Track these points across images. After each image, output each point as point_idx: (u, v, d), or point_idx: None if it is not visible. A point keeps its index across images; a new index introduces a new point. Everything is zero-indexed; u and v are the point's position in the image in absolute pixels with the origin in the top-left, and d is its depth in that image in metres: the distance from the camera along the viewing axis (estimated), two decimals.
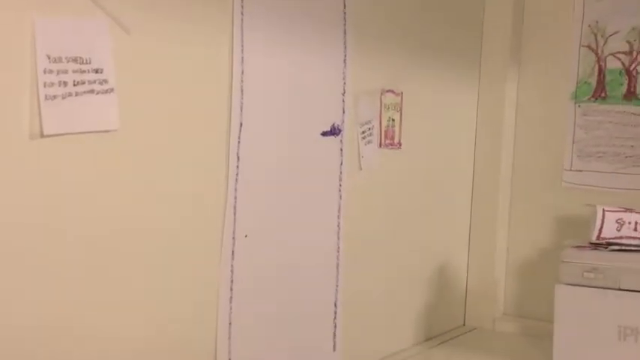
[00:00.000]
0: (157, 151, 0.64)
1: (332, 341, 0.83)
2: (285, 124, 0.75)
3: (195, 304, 0.68)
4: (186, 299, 0.67)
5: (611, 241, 0.90)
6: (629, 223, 0.89)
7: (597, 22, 1.06)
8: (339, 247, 0.82)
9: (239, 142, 0.70)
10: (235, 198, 0.70)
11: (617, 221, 0.89)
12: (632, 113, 1.04)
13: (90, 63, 0.57)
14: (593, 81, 1.07)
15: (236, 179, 0.70)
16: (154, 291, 0.64)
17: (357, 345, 0.88)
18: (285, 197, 0.76)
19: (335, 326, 0.83)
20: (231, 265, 0.70)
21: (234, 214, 0.70)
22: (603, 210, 0.89)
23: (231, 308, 0.70)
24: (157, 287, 0.65)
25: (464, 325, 1.13)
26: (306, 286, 0.79)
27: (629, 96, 1.04)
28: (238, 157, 0.70)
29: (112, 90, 0.58)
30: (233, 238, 0.70)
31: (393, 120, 0.91)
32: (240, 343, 0.72)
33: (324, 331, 0.82)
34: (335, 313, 0.82)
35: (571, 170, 1.08)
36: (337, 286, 0.82)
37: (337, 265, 0.82)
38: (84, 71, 0.57)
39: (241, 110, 0.70)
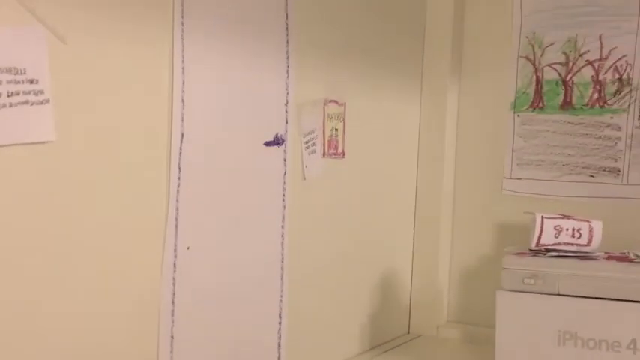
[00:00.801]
0: (95, 162, 0.62)
1: (277, 352, 0.82)
2: (227, 135, 0.75)
3: (136, 317, 0.67)
4: (126, 313, 0.66)
5: (549, 247, 0.91)
6: (567, 229, 0.91)
7: (534, 33, 1.09)
8: (283, 258, 0.82)
9: (180, 153, 0.69)
10: (177, 210, 0.69)
11: (555, 228, 0.91)
12: (569, 122, 1.06)
13: (25, 73, 0.56)
14: (531, 91, 1.09)
15: (177, 191, 0.69)
16: (92, 305, 0.63)
17: (302, 356, 0.88)
18: (229, 208, 0.75)
19: (279, 337, 0.82)
20: (173, 278, 0.69)
21: (176, 226, 0.69)
22: (542, 217, 0.91)
23: (173, 321, 0.69)
24: (95, 301, 0.63)
25: (408, 332, 1.13)
26: (250, 297, 0.78)
27: (566, 106, 1.07)
28: (179, 169, 0.69)
29: (47, 101, 0.57)
30: (175, 250, 0.69)
31: (337, 130, 0.91)
32: (182, 357, 0.70)
33: (269, 343, 0.81)
34: (279, 324, 0.82)
35: (511, 178, 1.10)
36: (282, 297, 0.82)
37: (281, 275, 0.82)
38: (18, 82, 0.55)
39: (182, 121, 0.69)
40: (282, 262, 0.82)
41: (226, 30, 0.74)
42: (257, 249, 0.79)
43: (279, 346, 0.82)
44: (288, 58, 0.81)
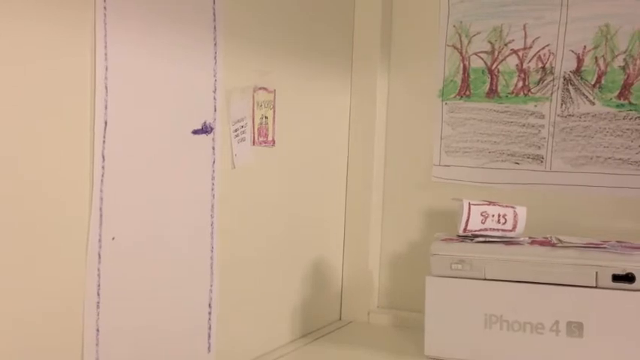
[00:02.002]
0: (15, 151, 0.60)
1: (207, 342, 0.81)
2: (153, 123, 0.73)
3: (60, 310, 0.65)
4: (49, 305, 0.64)
5: (476, 233, 0.93)
6: (493, 215, 0.93)
7: (461, 22, 1.10)
8: (212, 247, 0.81)
9: (104, 141, 0.67)
10: (101, 199, 0.67)
11: (481, 214, 0.93)
12: (495, 110, 1.09)
13: None
14: (459, 79, 1.11)
15: (101, 180, 0.67)
16: (13, 298, 0.61)
17: (233, 345, 0.87)
18: (156, 197, 0.74)
19: (209, 327, 0.81)
20: (98, 269, 0.68)
21: (101, 216, 0.67)
22: (469, 204, 0.93)
23: (98, 314, 0.68)
24: (17, 293, 0.61)
25: (340, 319, 1.14)
26: (178, 287, 0.77)
27: (492, 94, 1.09)
28: (104, 157, 0.67)
29: None
30: (99, 241, 0.68)
31: (266, 117, 0.91)
32: (108, 350, 0.69)
33: (199, 333, 0.80)
34: (209, 313, 0.81)
35: (439, 165, 1.12)
36: (211, 286, 0.81)
37: (211, 265, 0.81)
38: None
39: (106, 108, 0.67)
40: (212, 251, 0.81)
41: (151, 15, 0.72)
42: (185, 238, 0.78)
43: (209, 335, 0.81)
44: (215, 44, 0.80)
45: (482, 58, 1.09)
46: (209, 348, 0.82)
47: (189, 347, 0.79)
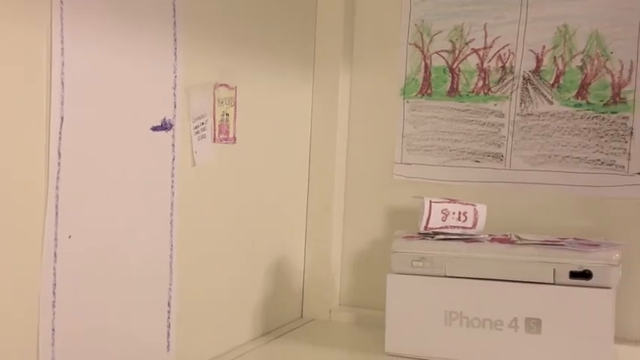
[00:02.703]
0: None
1: (166, 341, 0.80)
2: (111, 119, 0.72)
3: (15, 310, 0.64)
4: (4, 305, 0.62)
5: (437, 230, 0.94)
6: (454, 213, 0.94)
7: (423, 21, 1.11)
8: (172, 245, 0.80)
9: (60, 137, 0.66)
10: (57, 197, 0.66)
11: (442, 212, 0.94)
12: (456, 109, 1.09)
13: None
14: (420, 78, 1.11)
15: (57, 177, 0.66)
16: None
17: (193, 344, 0.86)
18: (113, 195, 0.73)
19: (169, 326, 0.81)
20: (54, 268, 0.66)
21: (56, 214, 0.66)
22: (430, 201, 0.93)
23: (54, 314, 0.67)
24: None
25: (301, 317, 1.14)
26: (136, 286, 0.76)
27: (453, 93, 1.10)
28: (59, 154, 0.66)
29: None
30: (55, 239, 0.66)
31: (227, 115, 0.90)
32: (65, 350, 0.68)
33: (158, 332, 0.79)
34: (168, 312, 0.80)
35: (401, 163, 1.13)
36: (171, 284, 0.80)
37: (170, 263, 0.80)
38: None
39: (62, 104, 0.66)
40: (171, 249, 0.80)
41: (110, 10, 0.71)
42: (144, 237, 0.77)
43: (168, 334, 0.81)
44: (175, 40, 0.79)
45: (443, 57, 1.10)
46: (168, 347, 0.81)
47: (148, 346, 0.78)
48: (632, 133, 1.00)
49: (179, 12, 0.79)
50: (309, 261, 1.14)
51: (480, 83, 1.08)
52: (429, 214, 0.93)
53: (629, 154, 1.00)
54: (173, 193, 0.80)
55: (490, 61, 1.07)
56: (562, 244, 0.88)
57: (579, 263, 0.86)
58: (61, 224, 0.67)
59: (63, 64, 0.66)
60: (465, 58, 1.09)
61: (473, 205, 0.94)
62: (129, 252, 0.75)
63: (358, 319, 1.12)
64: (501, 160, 1.07)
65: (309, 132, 1.13)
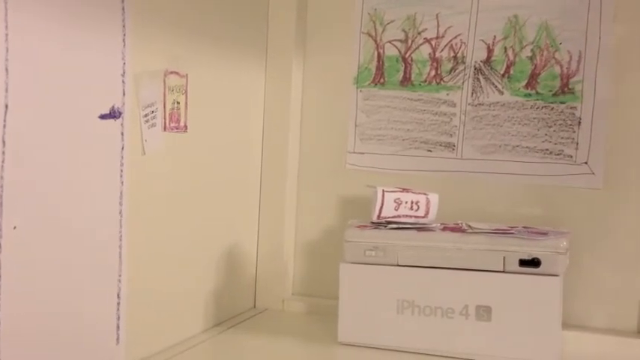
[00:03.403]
0: None
1: (115, 334, 0.79)
2: (58, 107, 0.70)
3: None
4: None
5: (390, 219, 0.94)
6: (406, 202, 0.94)
7: (376, 10, 1.11)
8: (121, 235, 0.79)
9: (4, 125, 0.64)
10: (1, 187, 0.64)
11: (395, 201, 0.94)
12: (408, 98, 1.10)
13: None
14: (373, 67, 1.11)
15: (1, 166, 0.64)
16: None
17: (144, 335, 0.85)
18: (61, 185, 0.71)
19: (118, 318, 0.79)
20: None
21: (1, 204, 0.64)
22: (383, 190, 0.94)
23: None
24: None
25: (254, 307, 1.14)
26: (85, 278, 0.74)
27: (405, 82, 1.10)
28: (4, 142, 0.64)
29: None
30: (0, 230, 0.64)
31: (178, 103, 0.88)
32: (11, 343, 0.66)
33: (107, 324, 0.78)
34: (118, 304, 0.79)
35: (354, 153, 1.13)
36: (120, 276, 0.79)
37: (120, 254, 0.79)
38: None
39: (7, 91, 0.64)
40: (121, 240, 0.79)
41: None
42: (92, 227, 0.75)
43: (117, 327, 0.79)
44: (124, 26, 0.77)
45: (396, 47, 1.10)
46: (118, 339, 0.79)
47: (97, 339, 0.77)
48: (579, 123, 1.02)
49: None
50: (262, 250, 1.13)
51: (433, 73, 1.08)
52: (382, 204, 0.93)
53: (577, 143, 1.02)
54: (122, 183, 0.78)
55: (442, 50, 1.08)
56: (512, 233, 0.90)
57: (528, 251, 0.87)
58: (6, 215, 0.65)
59: (7, 50, 0.64)
60: (417, 48, 1.09)
61: (425, 194, 0.95)
62: (76, 243, 0.73)
63: (311, 309, 1.12)
64: (453, 149, 1.08)
65: (262, 120, 1.12)
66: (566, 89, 1.02)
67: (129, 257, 0.80)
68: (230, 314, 1.06)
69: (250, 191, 1.11)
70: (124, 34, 0.77)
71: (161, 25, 0.85)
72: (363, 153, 1.12)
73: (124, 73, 0.77)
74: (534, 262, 0.87)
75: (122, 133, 0.78)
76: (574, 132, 1.02)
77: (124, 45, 0.77)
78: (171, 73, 0.87)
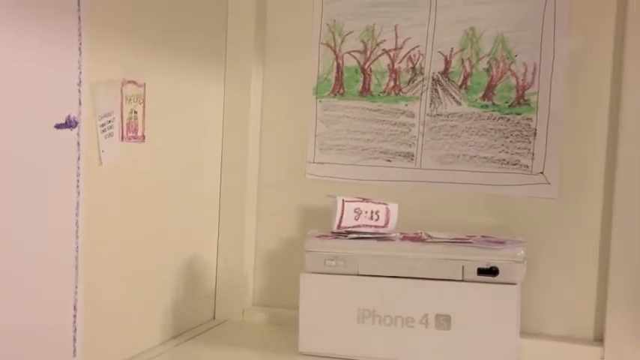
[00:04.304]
0: None
1: (72, 346, 0.78)
2: (13, 116, 0.69)
3: None
4: None
5: (350, 229, 0.94)
6: (366, 212, 0.95)
7: (335, 21, 1.11)
8: (77, 247, 0.77)
9: None
10: None
11: (355, 211, 0.94)
12: (367, 109, 1.10)
13: None
14: (333, 78, 1.12)
15: None
16: None
17: (101, 348, 0.84)
18: (14, 196, 0.69)
19: (75, 330, 0.78)
20: None
21: None
22: (343, 200, 0.94)
23: None
24: None
25: (214, 318, 1.13)
26: (40, 290, 0.73)
27: (365, 93, 1.11)
28: None
29: None
30: None
31: (136, 112, 0.88)
32: None
33: (63, 337, 0.76)
34: (74, 316, 0.78)
35: (314, 163, 1.13)
36: (76, 287, 0.78)
37: (76, 266, 0.77)
38: None
39: None
40: (77, 251, 0.77)
41: (10, 3, 0.68)
42: (47, 238, 0.74)
43: (74, 339, 0.78)
44: (80, 35, 0.76)
45: (355, 57, 1.11)
46: (74, 352, 0.78)
47: (53, 351, 0.75)
48: (535, 133, 1.04)
49: (84, 6, 0.76)
50: (222, 261, 1.13)
51: (392, 84, 1.09)
52: (342, 213, 0.94)
53: (533, 154, 1.04)
54: (79, 193, 0.77)
55: (401, 62, 1.09)
56: (470, 242, 0.91)
57: (486, 260, 0.88)
58: None
59: None
60: (376, 59, 1.10)
61: (385, 204, 0.95)
62: (31, 255, 0.72)
63: (272, 319, 1.11)
64: (412, 159, 1.08)
65: (221, 130, 1.12)
66: (521, 100, 1.04)
67: (85, 269, 0.79)
68: (189, 326, 1.05)
69: (210, 201, 1.11)
70: (80, 43, 0.76)
71: (118, 34, 0.84)
72: (322, 163, 1.12)
73: (80, 82, 0.76)
74: (492, 271, 0.88)
75: (78, 143, 0.77)
76: (530, 142, 1.04)
77: (80, 54, 0.76)
78: (129, 82, 0.86)
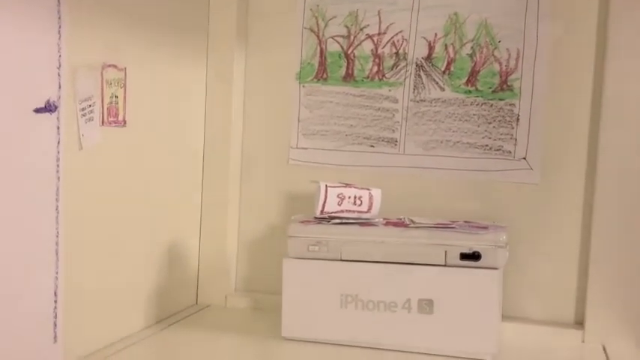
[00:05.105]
0: None
1: (52, 332, 0.77)
2: None
3: None
4: None
5: (333, 214, 0.94)
6: (349, 197, 0.95)
7: (318, 5, 1.11)
8: (57, 232, 0.77)
9: None
10: None
11: (338, 196, 0.94)
12: (351, 94, 1.10)
13: None
14: (316, 62, 1.11)
15: None
16: None
17: (82, 333, 0.83)
18: None
19: (55, 316, 0.77)
20: None
21: None
22: (326, 186, 0.94)
23: None
24: None
25: (197, 303, 1.12)
26: (20, 276, 0.72)
27: (348, 78, 1.10)
28: None
29: None
30: None
31: (117, 97, 0.87)
32: None
33: (43, 323, 0.76)
34: (55, 302, 0.77)
35: (297, 148, 1.12)
36: (57, 273, 0.77)
37: (56, 251, 0.77)
38: None
39: None
40: (57, 236, 0.77)
41: None
42: (28, 223, 0.73)
43: (55, 325, 0.77)
44: (60, 17, 0.75)
45: (338, 42, 1.10)
46: (55, 338, 0.77)
47: (33, 338, 0.75)
48: (518, 119, 1.04)
49: None
50: (205, 246, 1.12)
51: (375, 69, 1.09)
52: (325, 199, 0.94)
53: (516, 139, 1.04)
54: (59, 178, 0.76)
55: (384, 47, 1.08)
56: (453, 227, 0.91)
57: (469, 245, 0.89)
58: None
59: None
60: (359, 44, 1.09)
61: (368, 189, 0.95)
62: (11, 240, 0.71)
63: (255, 305, 1.11)
64: (395, 145, 1.08)
65: (203, 115, 1.11)
66: (505, 86, 1.04)
67: (66, 254, 0.78)
68: (172, 311, 1.05)
69: (192, 186, 1.10)
70: (60, 26, 0.75)
71: (99, 18, 0.83)
72: (306, 148, 1.12)
73: (59, 65, 0.76)
74: (475, 256, 0.88)
75: (58, 127, 0.76)
76: (513, 128, 1.04)
77: (60, 37, 0.75)
78: (109, 66, 0.85)
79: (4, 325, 0.71)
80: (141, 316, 0.97)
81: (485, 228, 0.91)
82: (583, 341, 0.99)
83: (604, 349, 0.97)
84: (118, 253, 0.91)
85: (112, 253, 0.89)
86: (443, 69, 1.06)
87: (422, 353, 0.90)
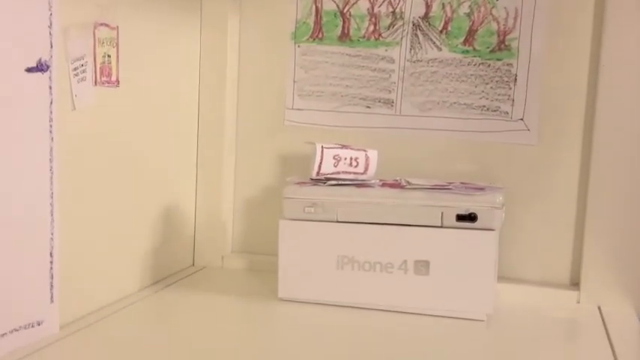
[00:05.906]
0: None
1: (49, 292, 0.77)
2: None
3: None
4: None
5: (329, 176, 0.94)
6: (345, 158, 0.94)
7: None
8: (52, 193, 0.76)
9: None
10: None
11: (334, 157, 0.94)
12: (347, 54, 1.09)
13: None
14: (311, 22, 1.10)
15: None
16: None
17: (79, 294, 0.83)
18: None
19: (52, 277, 0.77)
20: None
21: None
22: (322, 147, 0.93)
23: None
24: None
25: (193, 265, 1.13)
26: (16, 237, 0.72)
27: (344, 38, 1.09)
28: None
29: None
30: None
31: (109, 56, 0.85)
32: None
33: (40, 283, 0.76)
34: (51, 262, 0.77)
35: (293, 109, 1.11)
36: (52, 234, 0.77)
37: (51, 212, 0.76)
38: None
39: None
40: (52, 197, 0.76)
41: None
42: (21, 184, 0.72)
43: (51, 285, 0.77)
44: None
45: (334, 1, 1.08)
46: (52, 298, 0.77)
47: (30, 298, 0.75)
48: (516, 79, 1.03)
49: None
50: (201, 208, 1.12)
51: (371, 28, 1.07)
52: (321, 160, 0.93)
53: (513, 100, 1.03)
54: (52, 139, 0.76)
55: (380, 6, 1.07)
56: (449, 188, 0.91)
57: (465, 206, 0.88)
58: None
59: None
60: (355, 3, 1.08)
61: (364, 150, 0.95)
62: (5, 201, 0.71)
63: (251, 266, 1.11)
64: (392, 106, 1.07)
65: (198, 76, 1.10)
66: (502, 46, 1.03)
67: (61, 215, 0.78)
68: (168, 272, 1.05)
69: (187, 148, 1.09)
70: None
71: None
72: (301, 109, 1.11)
73: (50, 24, 0.74)
74: (471, 217, 0.88)
75: (50, 87, 0.75)
76: (510, 89, 1.03)
77: None
78: (101, 25, 0.84)
79: (1, 286, 0.71)
80: (137, 278, 0.97)
81: (481, 189, 0.91)
82: (578, 302, 0.99)
83: (599, 310, 0.97)
84: (114, 215, 0.90)
85: (107, 214, 0.89)
86: (440, 28, 1.05)
87: (418, 314, 0.90)
